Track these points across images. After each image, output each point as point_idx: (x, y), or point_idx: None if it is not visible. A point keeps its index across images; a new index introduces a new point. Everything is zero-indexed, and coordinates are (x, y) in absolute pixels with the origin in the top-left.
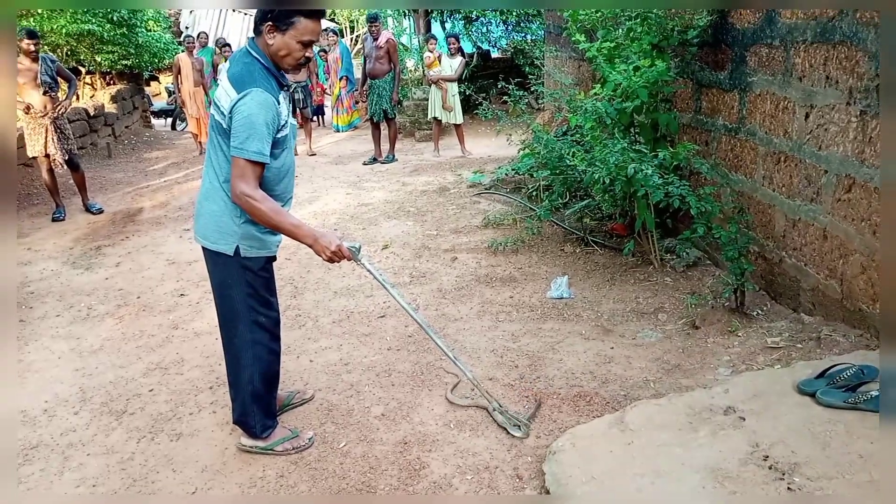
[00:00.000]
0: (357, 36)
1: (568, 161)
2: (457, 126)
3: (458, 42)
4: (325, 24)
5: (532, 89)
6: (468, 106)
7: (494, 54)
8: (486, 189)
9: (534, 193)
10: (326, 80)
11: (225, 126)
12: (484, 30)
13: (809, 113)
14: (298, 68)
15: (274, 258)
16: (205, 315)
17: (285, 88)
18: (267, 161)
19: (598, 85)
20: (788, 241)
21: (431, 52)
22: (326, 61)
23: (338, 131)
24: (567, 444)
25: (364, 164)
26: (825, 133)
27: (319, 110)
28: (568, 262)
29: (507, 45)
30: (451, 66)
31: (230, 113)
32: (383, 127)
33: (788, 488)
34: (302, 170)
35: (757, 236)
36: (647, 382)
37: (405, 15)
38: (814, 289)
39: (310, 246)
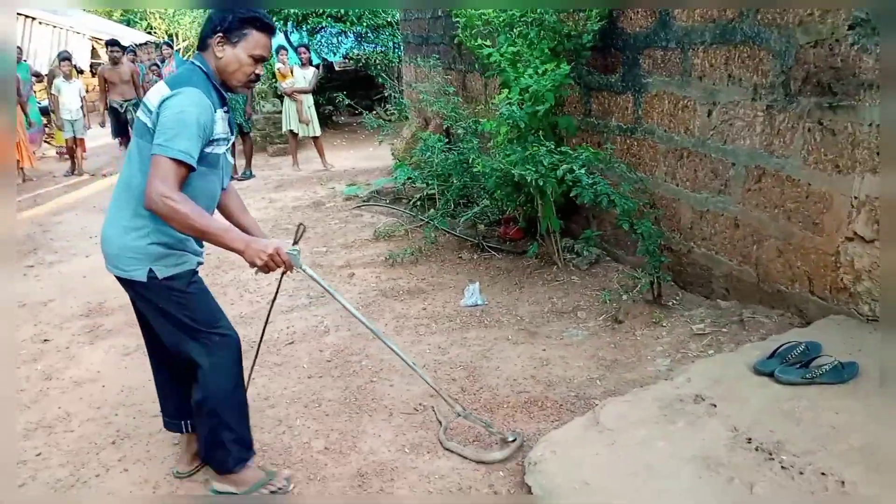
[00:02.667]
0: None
1: (479, 167)
2: (315, 139)
3: (309, 52)
4: (147, 37)
5: (391, 101)
6: (322, 118)
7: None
8: (364, 201)
9: (418, 203)
10: None
11: (150, 125)
12: (334, 41)
13: (712, 110)
14: (247, 86)
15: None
16: (80, 361)
17: (225, 107)
18: (193, 165)
19: (504, 91)
20: (696, 232)
21: (284, 63)
22: (160, 77)
23: None
24: (546, 452)
25: None
26: (730, 128)
27: None
28: (469, 269)
29: (345, 57)
30: (305, 77)
31: (158, 108)
32: (237, 142)
33: (782, 467)
34: None
35: (663, 230)
36: (593, 380)
37: None
38: (727, 275)
39: (240, 252)
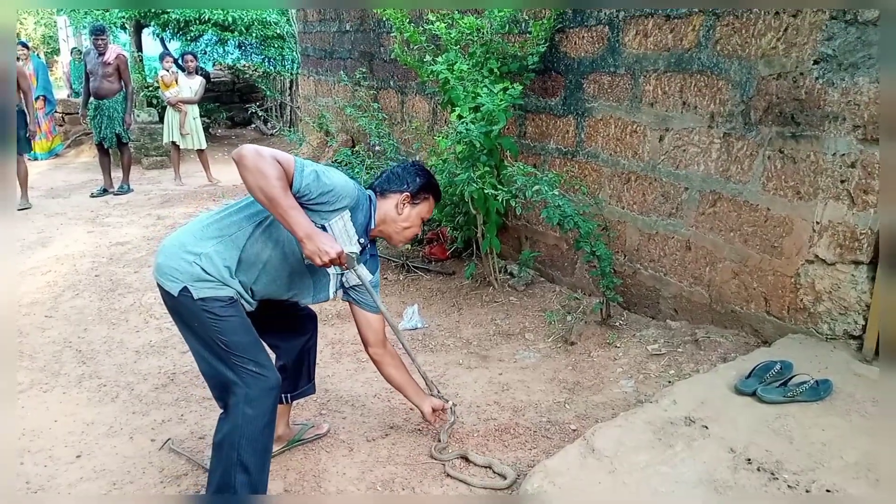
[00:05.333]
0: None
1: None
2: (199, 151)
3: (197, 60)
4: None
5: (271, 113)
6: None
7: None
8: None
9: None
10: None
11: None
12: (219, 49)
13: (664, 136)
14: (407, 242)
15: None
16: None
17: (362, 239)
18: (301, 173)
19: (454, 109)
20: (643, 254)
21: (168, 70)
22: None
23: (35, 159)
24: (544, 483)
25: (92, 195)
26: (683, 154)
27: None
28: (399, 290)
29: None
30: (191, 87)
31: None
32: (113, 154)
33: (788, 486)
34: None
35: (610, 252)
36: (560, 404)
37: (123, 28)
38: (676, 296)
39: (299, 239)
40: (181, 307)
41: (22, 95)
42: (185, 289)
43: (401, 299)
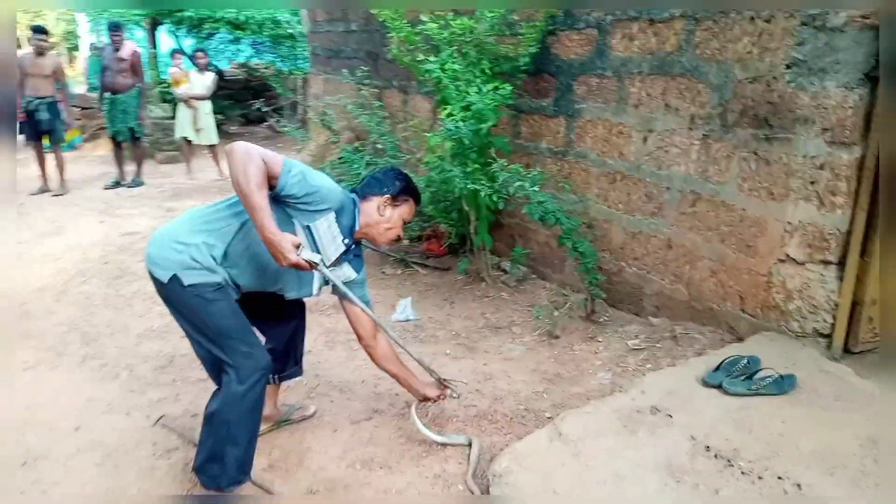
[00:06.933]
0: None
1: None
2: (211, 147)
3: (207, 57)
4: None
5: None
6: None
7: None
8: None
9: None
10: None
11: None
12: (233, 48)
13: (648, 137)
14: (389, 244)
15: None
16: None
17: (345, 239)
18: (288, 173)
19: (446, 108)
20: (628, 252)
21: (178, 67)
22: None
23: (73, 148)
24: (512, 464)
25: (105, 188)
26: (665, 154)
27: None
28: (395, 284)
29: (241, 65)
30: (203, 83)
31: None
32: (127, 148)
33: (742, 472)
34: (31, 202)
35: (595, 250)
36: (539, 394)
37: (139, 25)
38: (658, 293)
39: (265, 240)
40: (172, 294)
41: (59, 89)
42: (174, 276)
43: (397, 292)
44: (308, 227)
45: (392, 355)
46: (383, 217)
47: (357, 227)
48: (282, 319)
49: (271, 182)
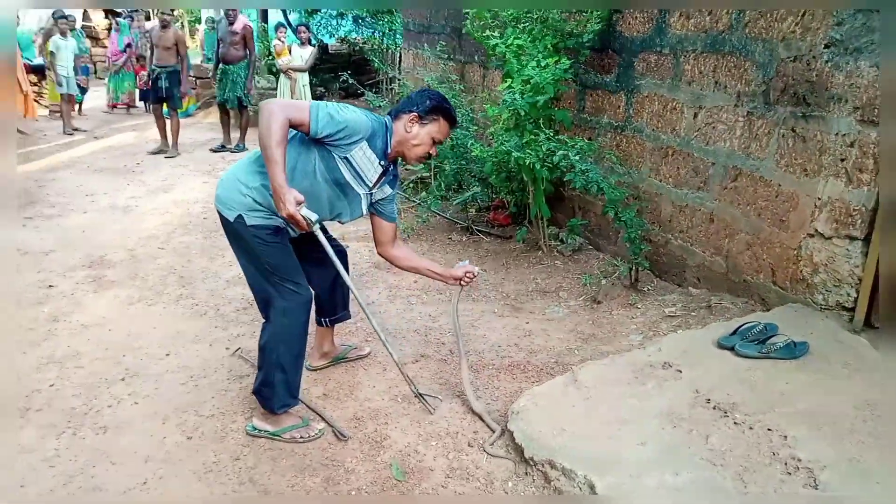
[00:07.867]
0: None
1: (477, 153)
2: None
3: (309, 32)
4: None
5: (381, 86)
6: (315, 98)
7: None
8: None
9: (411, 185)
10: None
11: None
12: (333, 23)
13: (698, 113)
14: (421, 161)
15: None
16: (85, 307)
17: (383, 161)
18: (316, 118)
19: (508, 80)
20: (675, 224)
21: (281, 40)
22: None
23: (189, 115)
24: (529, 403)
25: (212, 150)
26: (713, 130)
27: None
28: (458, 249)
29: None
30: (302, 56)
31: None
32: (234, 115)
33: (734, 423)
34: (148, 161)
35: (644, 221)
36: (571, 350)
37: None
38: (699, 265)
39: (273, 188)
40: (236, 231)
41: (180, 59)
42: (239, 216)
43: (458, 256)
44: (346, 159)
45: (413, 255)
46: (409, 133)
47: (389, 149)
48: (326, 265)
49: (303, 129)
